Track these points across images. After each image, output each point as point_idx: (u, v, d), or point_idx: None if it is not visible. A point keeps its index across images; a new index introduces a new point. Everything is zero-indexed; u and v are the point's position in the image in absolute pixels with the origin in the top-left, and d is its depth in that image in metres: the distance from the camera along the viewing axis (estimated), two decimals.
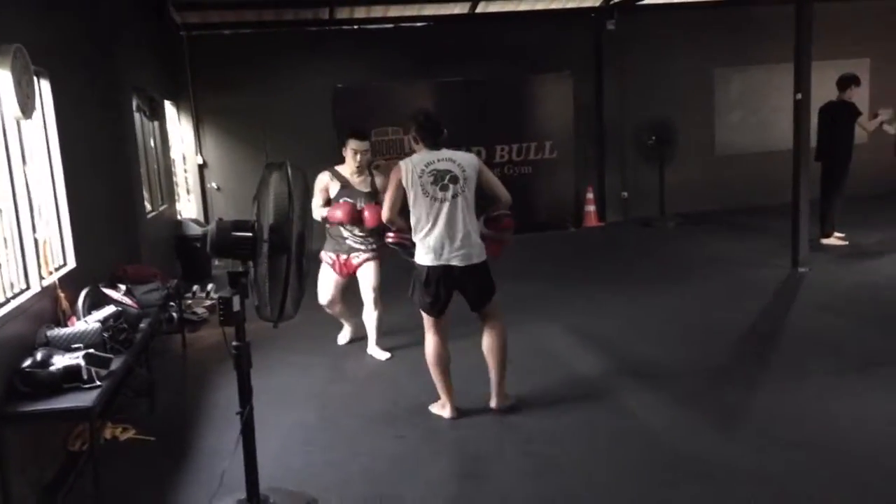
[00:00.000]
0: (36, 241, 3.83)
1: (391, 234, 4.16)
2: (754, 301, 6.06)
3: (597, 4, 10.04)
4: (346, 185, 5.02)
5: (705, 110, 10.78)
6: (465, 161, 3.92)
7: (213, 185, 9.73)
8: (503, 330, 4.05)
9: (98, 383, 3.27)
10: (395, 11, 9.58)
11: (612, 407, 4.13)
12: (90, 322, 3.77)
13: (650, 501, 3.16)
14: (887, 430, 3.62)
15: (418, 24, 10.02)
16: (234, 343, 2.96)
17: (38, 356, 3.31)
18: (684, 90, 10.52)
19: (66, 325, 3.82)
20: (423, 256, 3.89)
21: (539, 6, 9.93)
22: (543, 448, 3.67)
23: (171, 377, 5.07)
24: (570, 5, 10.00)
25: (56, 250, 4.24)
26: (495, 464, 3.56)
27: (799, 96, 6.70)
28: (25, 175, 3.81)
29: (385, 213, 4.02)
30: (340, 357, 5.36)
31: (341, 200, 4.96)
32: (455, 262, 3.85)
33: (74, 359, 3.31)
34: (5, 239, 3.59)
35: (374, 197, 4.98)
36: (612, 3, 9.95)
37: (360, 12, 9.53)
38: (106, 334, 3.70)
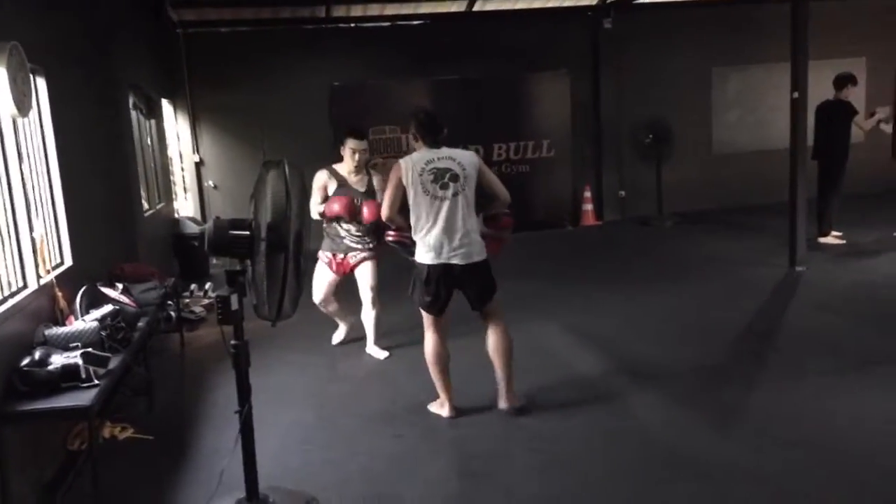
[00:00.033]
0: (33, 239, 3.82)
1: (391, 233, 4.13)
2: (751, 300, 6.07)
3: (593, 3, 10.04)
4: (343, 184, 5.01)
5: (702, 109, 10.80)
6: (465, 159, 3.91)
7: (211, 183, 9.71)
8: (506, 329, 4.04)
9: (96, 382, 3.26)
10: (391, 9, 9.57)
11: (610, 406, 4.13)
12: (88, 321, 3.75)
13: (646, 500, 3.16)
14: (885, 429, 3.63)
15: (415, 23, 10.00)
16: (232, 342, 2.96)
17: (37, 355, 3.30)
18: (681, 89, 10.53)
19: (63, 324, 3.81)
20: (424, 255, 3.88)
21: (536, 4, 9.92)
22: (542, 446, 3.67)
23: (170, 376, 5.06)
24: (566, 3, 9.99)
25: (53, 248, 4.23)
26: (494, 462, 3.56)
27: (796, 95, 6.71)
28: (22, 173, 3.80)
29: (385, 212, 3.99)
30: (339, 356, 5.36)
31: (339, 194, 4.95)
32: (456, 261, 3.84)
33: (72, 358, 3.30)
34: (2, 237, 3.57)
35: (371, 196, 4.97)
36: (608, 1, 9.95)
37: (357, 10, 9.51)
38: (104, 333, 3.69)
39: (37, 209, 4.05)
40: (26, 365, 3.24)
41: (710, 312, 5.85)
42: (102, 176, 5.48)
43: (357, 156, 4.97)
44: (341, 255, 5.11)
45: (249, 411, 2.98)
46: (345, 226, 5.03)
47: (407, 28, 10.02)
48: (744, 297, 6.18)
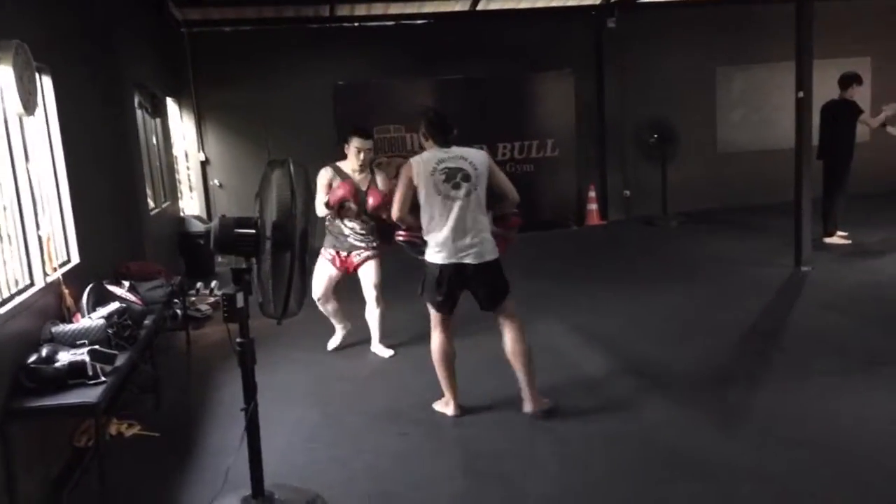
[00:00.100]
0: (39, 237, 3.84)
1: (401, 233, 4.08)
2: (757, 300, 6.06)
3: (597, 2, 10.03)
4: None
5: (707, 109, 10.78)
6: (476, 158, 3.90)
7: (216, 182, 9.73)
8: (523, 329, 3.99)
9: (103, 379, 3.27)
10: (395, 9, 9.58)
11: (614, 405, 4.13)
12: (94, 318, 3.77)
13: (649, 499, 3.16)
14: (890, 430, 3.62)
15: (419, 22, 10.02)
16: (238, 340, 2.97)
17: (43, 352, 3.32)
18: (686, 88, 10.52)
19: (70, 322, 3.82)
20: (436, 255, 3.86)
21: (539, 4, 9.92)
22: (546, 446, 3.67)
23: (176, 374, 5.08)
24: (570, 3, 9.99)
25: (60, 247, 4.24)
26: (498, 461, 3.56)
27: (800, 95, 6.70)
28: (28, 171, 3.82)
29: (395, 212, 3.95)
30: (344, 354, 5.36)
31: (342, 181, 4.92)
32: (468, 261, 3.83)
33: (79, 355, 3.31)
34: (9, 235, 3.59)
35: None
36: (612, 0, 9.94)
37: (361, 9, 9.52)
38: (110, 331, 3.70)
39: (43, 207, 4.07)
40: (33, 362, 3.25)
41: (715, 312, 5.84)
42: (108, 174, 5.50)
43: (362, 154, 4.96)
44: (345, 254, 5.11)
45: (255, 409, 2.99)
46: (349, 224, 5.03)
47: (411, 27, 10.03)
48: (749, 296, 6.17)
